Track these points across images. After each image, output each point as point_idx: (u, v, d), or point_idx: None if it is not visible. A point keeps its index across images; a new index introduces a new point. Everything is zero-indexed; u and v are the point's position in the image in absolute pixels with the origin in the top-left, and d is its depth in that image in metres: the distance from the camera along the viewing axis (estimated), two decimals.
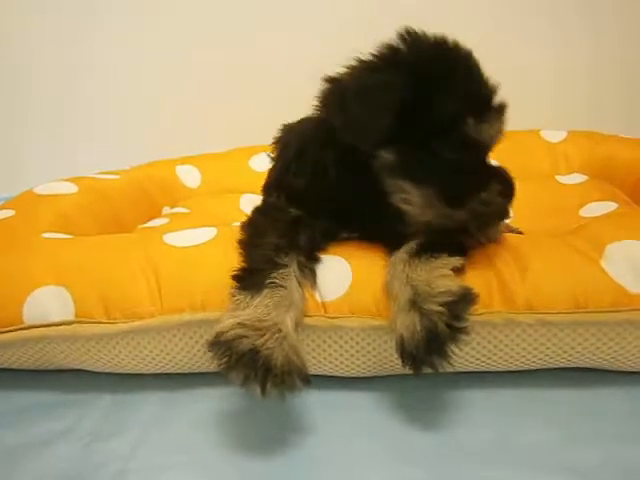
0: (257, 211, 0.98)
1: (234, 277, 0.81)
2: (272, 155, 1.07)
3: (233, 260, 0.85)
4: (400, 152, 0.82)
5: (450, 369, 0.76)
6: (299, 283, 0.82)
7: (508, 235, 0.98)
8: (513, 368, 0.89)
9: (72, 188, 1.33)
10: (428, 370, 0.74)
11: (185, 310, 0.86)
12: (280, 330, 0.74)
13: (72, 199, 1.29)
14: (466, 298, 0.75)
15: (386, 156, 0.83)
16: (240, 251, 0.87)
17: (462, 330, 0.74)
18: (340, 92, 0.83)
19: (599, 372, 0.90)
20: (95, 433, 0.84)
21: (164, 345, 0.88)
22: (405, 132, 0.80)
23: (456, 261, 0.80)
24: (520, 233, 1.18)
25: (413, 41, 0.84)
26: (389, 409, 0.87)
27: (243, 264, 0.83)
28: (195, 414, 0.88)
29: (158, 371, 0.94)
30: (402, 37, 0.84)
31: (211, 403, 0.90)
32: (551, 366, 0.89)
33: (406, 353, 0.76)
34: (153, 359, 0.90)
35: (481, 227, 0.85)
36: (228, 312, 0.77)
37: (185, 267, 0.89)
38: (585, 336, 0.83)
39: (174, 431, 0.84)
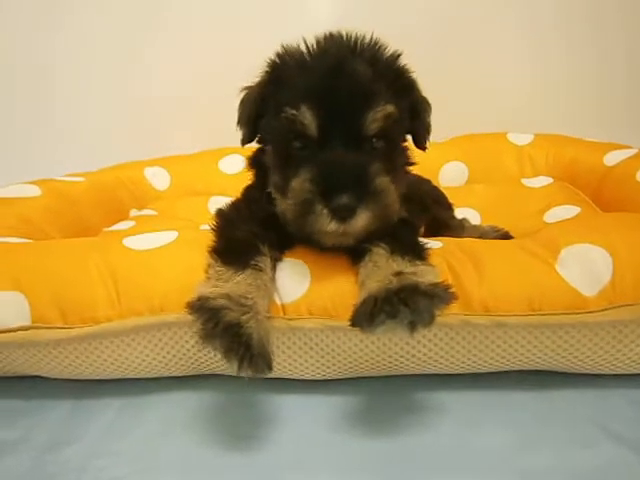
0: (241, 201, 0.99)
1: (214, 251, 0.84)
2: None
3: (193, 263, 0.85)
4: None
5: (405, 332, 0.70)
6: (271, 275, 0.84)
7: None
8: (470, 370, 0.90)
9: (35, 191, 1.31)
10: (383, 322, 0.69)
11: (144, 313, 0.85)
12: (259, 312, 0.76)
13: (35, 202, 1.27)
14: (448, 291, 0.74)
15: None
16: (218, 232, 0.88)
17: (440, 296, 0.72)
18: None
19: (555, 374, 0.92)
20: (50, 442, 0.83)
21: (122, 350, 0.87)
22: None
23: (436, 269, 0.80)
24: (509, 237, 1.22)
25: (283, 51, 0.89)
26: (345, 413, 0.87)
27: (223, 243, 0.85)
28: (154, 421, 0.87)
29: (117, 377, 0.93)
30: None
31: (170, 409, 0.89)
32: (507, 368, 0.90)
33: (370, 297, 0.73)
34: (112, 364, 0.89)
35: (302, 215, 0.78)
36: (210, 280, 0.79)
37: (144, 270, 0.88)
38: (540, 339, 0.84)
39: (132, 439, 0.83)
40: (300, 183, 0.78)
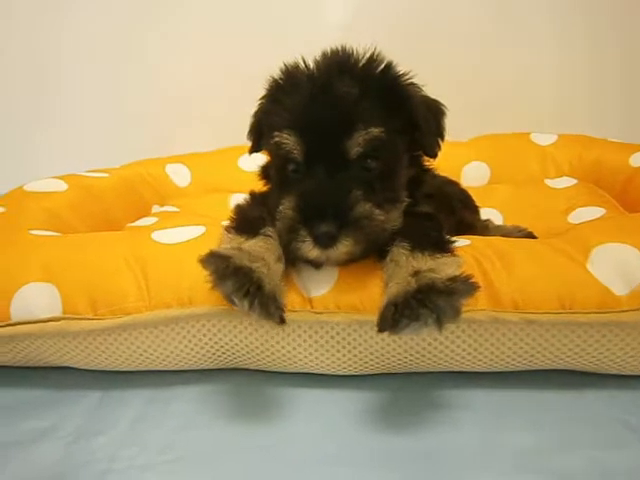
0: (258, 193, 1.00)
1: (228, 225, 0.87)
2: None
3: None
4: None
5: (433, 329, 0.70)
6: None
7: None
8: (498, 368, 0.90)
9: (62, 186, 1.33)
10: (407, 326, 0.69)
11: (173, 305, 0.86)
12: (270, 267, 0.78)
13: (62, 197, 1.29)
14: (468, 282, 0.74)
15: None
16: (234, 215, 0.91)
17: (460, 290, 0.72)
18: None
19: (584, 375, 0.91)
20: (80, 431, 0.84)
21: (151, 341, 0.88)
22: None
23: (458, 260, 0.79)
24: (532, 236, 1.21)
25: (283, 70, 0.91)
26: (368, 409, 0.87)
27: (237, 220, 0.88)
28: (181, 412, 0.88)
29: (146, 368, 0.94)
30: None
31: (196, 402, 0.90)
32: (536, 367, 0.89)
33: (390, 303, 0.72)
34: (140, 355, 0.90)
35: (288, 241, 0.80)
36: (222, 245, 0.82)
37: (173, 263, 0.89)
38: (571, 337, 0.83)
39: (160, 429, 0.84)
40: (285, 209, 0.81)
